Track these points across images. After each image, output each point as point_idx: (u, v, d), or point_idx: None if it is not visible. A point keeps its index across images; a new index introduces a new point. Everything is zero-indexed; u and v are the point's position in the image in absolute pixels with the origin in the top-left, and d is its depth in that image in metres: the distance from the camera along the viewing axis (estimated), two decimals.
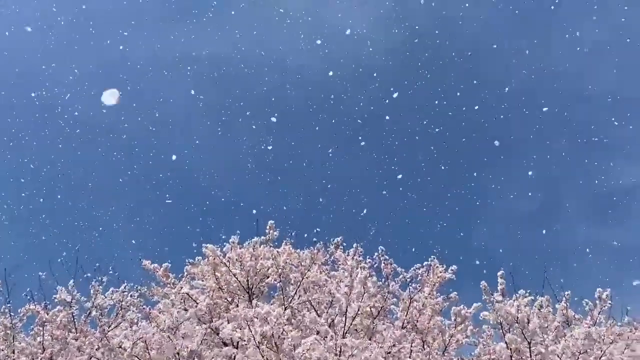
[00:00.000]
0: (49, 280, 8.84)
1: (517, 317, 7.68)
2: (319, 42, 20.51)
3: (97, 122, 20.75)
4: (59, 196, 20.09)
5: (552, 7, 19.79)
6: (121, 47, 19.81)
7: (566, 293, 8.56)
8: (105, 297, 9.00)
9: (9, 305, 8.51)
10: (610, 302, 8.20)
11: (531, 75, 20.62)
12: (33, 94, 19.67)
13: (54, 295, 8.75)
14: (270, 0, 20.40)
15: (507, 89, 21.05)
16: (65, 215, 19.52)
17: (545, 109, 20.85)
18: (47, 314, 8.46)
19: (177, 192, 21.06)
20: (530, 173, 21.44)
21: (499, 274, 8.96)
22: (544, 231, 20.30)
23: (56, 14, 19.63)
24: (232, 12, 20.29)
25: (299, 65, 21.47)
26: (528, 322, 7.88)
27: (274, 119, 20.84)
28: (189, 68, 20.93)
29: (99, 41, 20.30)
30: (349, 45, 21.23)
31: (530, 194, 21.53)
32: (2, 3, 18.94)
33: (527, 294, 8.71)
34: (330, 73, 20.96)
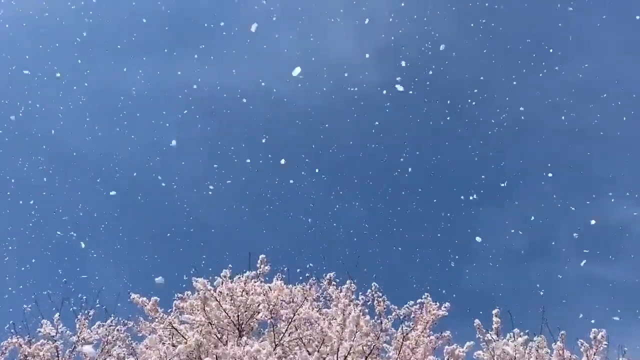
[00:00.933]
0: (34, 313, 8.65)
1: (515, 357, 7.54)
2: (313, 74, 20.70)
3: (86, 153, 20.70)
4: (46, 227, 19.84)
5: (543, 42, 20.17)
6: (116, 78, 19.92)
7: (562, 333, 8.44)
8: (92, 331, 8.80)
9: None
10: (605, 342, 8.08)
11: (521, 109, 20.85)
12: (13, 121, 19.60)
13: (39, 329, 8.55)
14: (265, 31, 20.61)
15: (496, 125, 21.24)
16: (52, 247, 19.24)
17: (537, 143, 21.05)
18: (30, 348, 8.24)
19: (166, 225, 20.90)
20: (520, 211, 21.51)
21: (493, 312, 8.88)
22: (535, 269, 20.25)
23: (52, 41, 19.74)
24: (227, 44, 20.50)
25: (292, 97, 21.65)
26: None
27: (268, 153, 20.88)
28: (180, 98, 21.03)
29: (92, 72, 20.41)
30: (342, 77, 21.43)
31: (521, 232, 21.50)
32: None
33: (521, 333, 8.61)
34: (320, 105, 21.17)
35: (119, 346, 8.63)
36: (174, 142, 18.51)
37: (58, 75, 19.12)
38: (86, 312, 8.93)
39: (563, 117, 20.77)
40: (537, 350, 7.96)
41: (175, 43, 21.13)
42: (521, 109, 20.63)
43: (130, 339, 8.93)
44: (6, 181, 19.76)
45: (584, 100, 20.26)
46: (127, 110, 20.57)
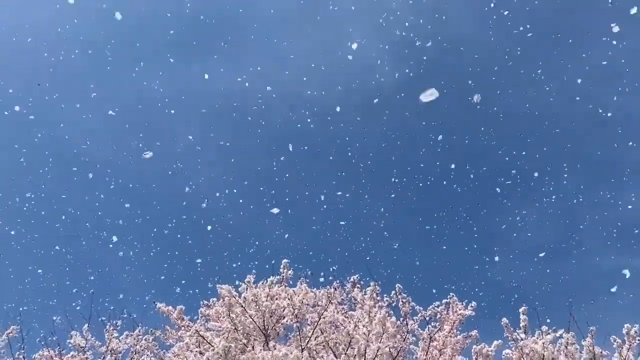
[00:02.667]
0: (63, 324, 8.78)
1: (543, 355, 7.44)
2: (328, 72, 20.68)
3: (108, 162, 20.93)
4: (68, 239, 20.13)
5: (566, 28, 19.77)
6: (133, 84, 20.08)
7: (592, 329, 8.30)
8: (120, 342, 8.90)
9: (22, 351, 8.44)
10: (639, 338, 7.92)
11: (547, 99, 20.49)
12: (40, 134, 19.93)
13: (68, 340, 8.68)
14: (278, 32, 20.66)
15: (521, 116, 20.95)
16: (80, 258, 19.50)
17: (561, 136, 20.66)
18: (62, 359, 8.36)
19: (187, 232, 21.01)
20: (547, 203, 21.14)
21: (521, 310, 8.79)
22: (564, 263, 19.87)
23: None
24: (241, 46, 20.59)
25: (311, 98, 21.61)
26: None
27: (288, 154, 20.88)
28: (198, 103, 21.15)
29: (110, 77, 20.63)
30: (358, 75, 21.35)
31: (548, 226, 21.15)
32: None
33: (549, 331, 8.49)
34: (338, 108, 21.11)
35: (147, 355, 8.72)
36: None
37: (93, 91, 19.34)
38: (114, 322, 9.03)
39: (590, 106, 20.36)
40: (566, 347, 7.83)
41: (190, 47, 21.30)
42: (547, 99, 20.30)
43: (157, 347, 9.01)
44: (34, 192, 20.09)
45: (610, 87, 19.80)
46: (146, 115, 20.76)
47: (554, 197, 21.03)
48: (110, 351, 8.74)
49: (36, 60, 19.62)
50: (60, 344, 8.62)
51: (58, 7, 18.75)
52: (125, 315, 9.19)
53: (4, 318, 8.82)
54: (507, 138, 20.81)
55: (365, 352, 6.92)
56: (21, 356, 8.40)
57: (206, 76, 18.62)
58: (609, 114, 19.79)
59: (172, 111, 20.68)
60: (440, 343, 8.40)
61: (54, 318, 8.81)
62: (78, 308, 9.02)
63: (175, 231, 20.69)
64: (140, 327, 9.12)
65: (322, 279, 9.05)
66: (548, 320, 8.54)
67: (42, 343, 8.56)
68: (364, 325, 6.97)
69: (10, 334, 8.64)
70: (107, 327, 8.96)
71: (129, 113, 20.52)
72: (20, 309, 8.54)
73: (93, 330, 8.87)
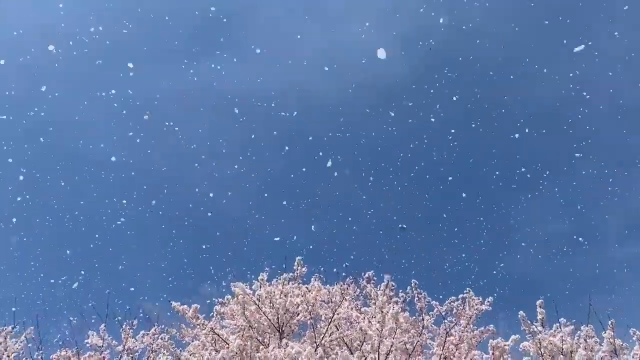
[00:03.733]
0: (80, 325, 8.86)
1: (562, 349, 7.32)
2: (336, 68, 20.61)
3: (118, 161, 21.08)
4: (88, 240, 20.35)
5: (576, 20, 19.45)
6: (140, 82, 20.17)
7: (611, 321, 8.13)
8: (136, 341, 8.96)
9: (41, 352, 8.54)
10: None
11: (559, 90, 20.19)
12: (44, 133, 20.13)
13: (86, 340, 8.76)
14: (287, 29, 20.61)
15: (533, 107, 20.70)
16: (95, 259, 19.70)
17: (573, 127, 20.36)
18: (79, 359, 8.45)
19: (201, 230, 21.10)
20: (560, 194, 20.86)
21: (537, 303, 8.65)
22: (580, 255, 19.59)
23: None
24: (248, 44, 20.58)
25: (321, 93, 21.54)
26: (572, 353, 7.52)
27: (299, 151, 20.89)
28: (208, 102, 21.20)
29: (117, 75, 20.74)
30: (367, 70, 21.24)
31: (564, 217, 20.88)
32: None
33: (568, 323, 8.35)
34: (350, 99, 21.01)
35: (163, 354, 8.76)
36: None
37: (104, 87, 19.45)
38: (130, 321, 9.09)
39: (604, 94, 20.03)
40: (585, 340, 7.69)
41: (198, 44, 21.33)
42: (559, 89, 20.02)
43: (174, 346, 9.05)
44: (46, 194, 20.32)
45: (623, 76, 19.44)
46: (156, 114, 20.83)
47: (571, 188, 20.77)
48: (127, 350, 8.80)
49: (39, 58, 19.82)
50: (78, 344, 8.70)
51: (61, 6, 18.86)
52: (141, 315, 9.25)
53: (22, 319, 8.91)
54: (520, 130, 20.55)
55: (379, 348, 6.87)
56: (39, 357, 8.50)
57: (215, 73, 18.69)
58: (624, 103, 19.47)
59: (179, 109, 20.79)
60: (456, 338, 8.32)
61: (71, 318, 8.91)
62: (92, 306, 9.06)
63: (188, 229, 20.82)
64: (156, 326, 9.17)
65: (335, 272, 9.03)
66: (566, 313, 8.41)
67: (60, 343, 8.66)
68: (378, 321, 6.92)
69: (28, 335, 8.75)
70: (124, 326, 9.03)
71: (134, 111, 20.61)
72: (37, 313, 8.62)
73: (110, 329, 8.95)
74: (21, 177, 19.16)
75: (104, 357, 8.72)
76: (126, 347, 8.89)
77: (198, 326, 8.80)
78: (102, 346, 8.80)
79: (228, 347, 7.79)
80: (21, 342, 8.71)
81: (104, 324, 8.95)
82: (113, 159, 20.01)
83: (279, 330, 8.40)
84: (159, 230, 21.06)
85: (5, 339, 8.54)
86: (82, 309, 8.94)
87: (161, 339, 9.10)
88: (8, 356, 8.49)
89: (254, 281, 8.77)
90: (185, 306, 8.95)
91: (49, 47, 18.34)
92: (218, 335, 8.27)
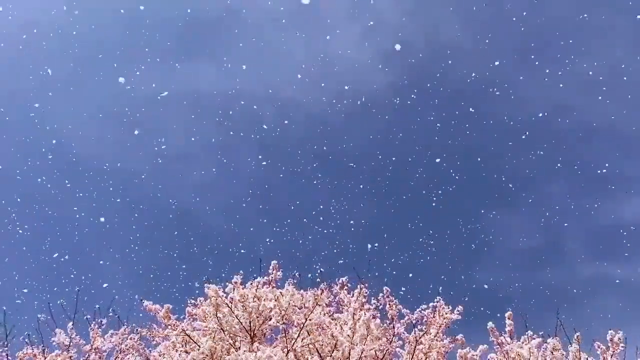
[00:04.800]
0: (48, 322, 8.70)
1: None
2: (318, 75, 20.74)
3: (96, 160, 20.85)
4: (58, 236, 20.02)
5: (552, 40, 19.99)
6: (123, 84, 20.01)
7: (577, 334, 8.32)
8: (105, 340, 8.83)
9: (6, 348, 8.35)
10: (623, 344, 7.95)
11: (533, 108, 20.69)
12: (32, 133, 19.83)
13: (52, 338, 8.60)
14: (271, 35, 20.67)
15: (506, 124, 21.10)
16: (65, 255, 19.38)
17: (545, 145, 20.86)
18: (45, 358, 8.28)
19: (175, 231, 20.97)
20: (532, 212, 21.31)
21: (506, 314, 8.81)
22: (548, 269, 20.01)
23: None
24: (232, 47, 20.57)
25: (299, 100, 21.66)
26: None
27: (277, 156, 20.92)
28: (184, 104, 21.13)
29: (101, 77, 20.56)
30: (350, 78, 21.44)
31: (534, 232, 21.31)
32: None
33: (535, 336, 8.52)
34: (328, 115, 21.16)
35: (132, 354, 8.66)
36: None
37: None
38: (99, 320, 8.96)
39: (574, 114, 20.60)
40: (552, 353, 7.85)
41: (182, 48, 21.25)
42: (531, 108, 20.51)
43: (143, 346, 8.96)
44: (22, 188, 19.97)
45: (594, 98, 20.04)
46: (136, 116, 20.69)
47: (539, 204, 21.22)
48: (95, 350, 8.67)
49: (33, 59, 19.56)
50: (45, 342, 8.53)
51: (56, 6, 18.69)
52: (111, 314, 9.12)
53: None
54: (494, 145, 20.98)
55: (350, 355, 6.91)
56: (5, 354, 8.31)
57: (198, 77, 18.65)
58: (595, 124, 20.03)
59: (166, 112, 20.67)
60: (426, 346, 8.40)
61: (39, 316, 8.73)
62: (64, 304, 8.90)
63: (163, 230, 20.66)
64: (125, 326, 9.06)
65: (310, 278, 9.04)
66: (534, 325, 8.58)
67: (26, 341, 8.47)
68: (349, 328, 6.96)
69: None
70: (92, 325, 8.89)
71: (122, 113, 20.47)
72: (4, 307, 8.41)
73: (78, 328, 8.80)
74: None
75: (70, 356, 8.57)
76: (94, 346, 8.76)
77: (169, 327, 8.73)
78: (69, 345, 8.65)
79: (199, 349, 7.74)
80: None
81: (71, 322, 8.80)
82: (95, 162, 19.84)
83: (250, 334, 8.37)
84: (135, 229, 20.83)
85: None
86: (51, 306, 8.77)
87: (130, 339, 8.99)
88: None
89: (227, 283, 8.73)
90: (158, 306, 8.88)
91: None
92: (189, 336, 8.21)
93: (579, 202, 20.67)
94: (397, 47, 20.04)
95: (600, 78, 19.46)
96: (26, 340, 8.44)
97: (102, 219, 20.17)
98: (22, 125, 20.08)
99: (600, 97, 19.70)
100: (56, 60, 20.02)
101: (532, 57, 20.18)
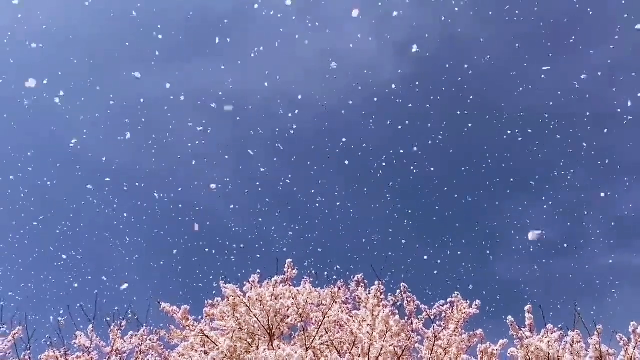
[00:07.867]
0: (68, 325, 8.80)
1: (549, 354, 7.40)
2: (331, 73, 20.69)
3: (109, 162, 20.98)
4: (77, 240, 20.21)
5: (569, 28, 19.71)
6: (134, 85, 20.15)
7: (598, 327, 8.23)
8: (125, 342, 8.91)
9: (28, 351, 8.46)
10: None
11: (549, 98, 20.42)
12: (41, 132, 20.00)
13: (74, 341, 8.70)
14: (282, 31, 20.64)
15: (522, 114, 20.92)
16: (84, 259, 19.58)
17: (565, 133, 20.59)
18: None
19: (192, 232, 21.02)
20: (549, 203, 21.07)
21: (526, 308, 8.74)
22: (569, 261, 19.80)
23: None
24: (244, 46, 20.61)
25: (315, 99, 21.61)
26: (559, 359, 7.60)
27: (293, 155, 20.92)
28: (199, 104, 21.19)
29: (110, 78, 20.70)
30: (362, 75, 21.36)
31: (552, 222, 21.09)
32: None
33: (555, 329, 8.44)
34: (342, 111, 21.10)
35: (152, 355, 8.72)
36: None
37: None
38: (119, 322, 9.04)
39: (595, 103, 20.29)
40: (571, 346, 7.78)
41: (193, 47, 21.32)
42: (548, 97, 20.27)
43: (162, 347, 9.01)
44: (38, 192, 20.18)
45: (614, 85, 19.72)
46: (147, 117, 20.81)
47: (558, 195, 21.00)
48: (115, 351, 8.75)
49: (37, 57, 19.70)
50: (66, 344, 8.63)
51: (59, 6, 18.80)
52: (130, 315, 9.20)
53: (10, 318, 8.82)
54: (511, 136, 20.78)
55: (369, 351, 6.90)
56: (27, 357, 8.42)
57: (210, 75, 18.69)
58: (614, 112, 19.73)
59: (172, 110, 20.76)
60: (445, 342, 8.36)
61: (59, 319, 8.83)
62: (81, 306, 9.00)
63: (179, 231, 20.76)
64: (144, 327, 9.13)
65: (326, 275, 9.05)
66: (554, 318, 8.51)
67: (48, 344, 8.58)
68: (368, 324, 6.95)
69: (16, 335, 8.66)
70: (112, 327, 8.98)
71: (128, 112, 20.57)
72: (25, 313, 8.53)
73: (98, 330, 8.89)
74: (11, 177, 19.03)
75: (91, 358, 8.66)
76: (114, 348, 8.84)
77: (187, 327, 8.78)
78: (90, 347, 8.74)
79: (218, 349, 7.77)
80: (9, 341, 8.63)
81: (91, 324, 8.90)
82: (114, 164, 20.00)
83: (269, 333, 8.39)
84: (152, 231, 20.98)
85: None
86: (71, 309, 8.88)
87: (150, 340, 9.05)
88: None
89: (244, 283, 8.77)
90: (175, 307, 8.93)
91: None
92: (207, 337, 8.25)
93: (599, 191, 20.39)
94: (408, 40, 19.98)
95: (621, 64, 19.15)
96: (47, 342, 8.55)
97: (118, 220, 20.35)
98: (30, 123, 20.24)
99: (621, 84, 19.39)
100: (68, 60, 20.16)
101: (549, 44, 19.92)
